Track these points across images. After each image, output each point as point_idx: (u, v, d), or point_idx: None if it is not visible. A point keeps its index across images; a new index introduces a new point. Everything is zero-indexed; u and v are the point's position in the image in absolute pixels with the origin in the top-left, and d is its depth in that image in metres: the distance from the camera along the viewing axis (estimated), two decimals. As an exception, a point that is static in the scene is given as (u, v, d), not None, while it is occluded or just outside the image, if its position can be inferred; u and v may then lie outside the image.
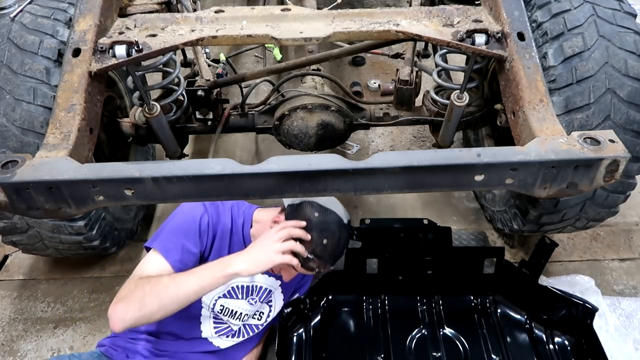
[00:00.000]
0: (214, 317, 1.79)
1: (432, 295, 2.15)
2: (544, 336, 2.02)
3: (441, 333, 2.05)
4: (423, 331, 2.06)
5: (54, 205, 1.34)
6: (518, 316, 2.09)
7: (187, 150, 2.45)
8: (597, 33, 1.70)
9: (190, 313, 1.72)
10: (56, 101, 1.55)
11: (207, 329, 1.79)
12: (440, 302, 2.14)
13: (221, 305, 1.76)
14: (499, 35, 1.67)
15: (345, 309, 2.14)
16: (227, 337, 1.84)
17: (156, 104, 1.93)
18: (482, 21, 1.74)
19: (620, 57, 1.68)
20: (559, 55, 1.70)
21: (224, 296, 1.76)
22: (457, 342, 2.03)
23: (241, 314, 1.80)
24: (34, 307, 2.37)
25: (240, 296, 1.79)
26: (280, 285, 1.89)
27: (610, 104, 1.68)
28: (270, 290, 1.87)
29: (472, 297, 2.15)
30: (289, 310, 1.98)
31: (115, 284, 2.46)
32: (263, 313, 1.90)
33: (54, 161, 1.36)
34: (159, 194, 1.34)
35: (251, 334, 1.89)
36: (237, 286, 1.78)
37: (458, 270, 2.09)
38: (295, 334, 2.04)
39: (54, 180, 1.29)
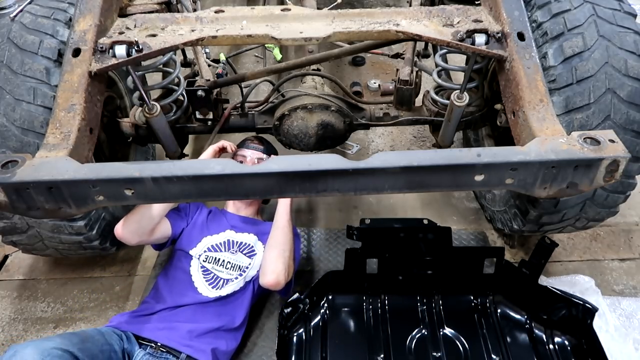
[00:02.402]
0: (202, 268, 2.05)
1: (432, 295, 2.15)
2: (544, 336, 2.02)
3: (441, 333, 2.05)
4: (423, 331, 2.06)
5: (54, 205, 1.34)
6: (518, 316, 2.09)
7: (187, 150, 2.46)
8: (597, 33, 1.70)
9: (183, 266, 2.06)
10: (56, 101, 1.55)
11: (198, 279, 2.03)
12: (440, 302, 2.14)
13: (206, 256, 2.08)
14: (499, 35, 1.67)
15: (345, 309, 2.14)
16: (218, 288, 2.01)
17: (156, 104, 1.93)
18: (482, 21, 1.74)
19: (620, 57, 1.68)
20: (559, 55, 1.70)
21: (209, 250, 2.10)
22: (457, 342, 2.03)
23: (224, 260, 2.07)
24: (34, 307, 2.38)
25: (222, 249, 2.12)
26: (258, 240, 2.18)
27: (610, 104, 1.68)
28: (249, 245, 2.15)
29: (472, 297, 2.15)
30: (289, 310, 1.98)
31: (115, 284, 2.46)
32: (245, 267, 2.09)
33: (54, 161, 1.36)
34: (159, 194, 1.34)
35: (239, 283, 2.06)
36: (219, 243, 2.13)
37: (458, 270, 2.09)
38: (295, 334, 2.04)
39: (54, 180, 1.29)
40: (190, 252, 2.08)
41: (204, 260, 2.06)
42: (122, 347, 1.78)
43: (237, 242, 2.15)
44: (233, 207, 2.30)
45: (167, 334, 1.86)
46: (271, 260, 1.96)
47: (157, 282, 2.10)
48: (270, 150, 2.35)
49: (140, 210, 1.95)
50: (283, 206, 2.10)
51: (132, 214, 1.95)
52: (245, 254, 2.12)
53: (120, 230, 1.93)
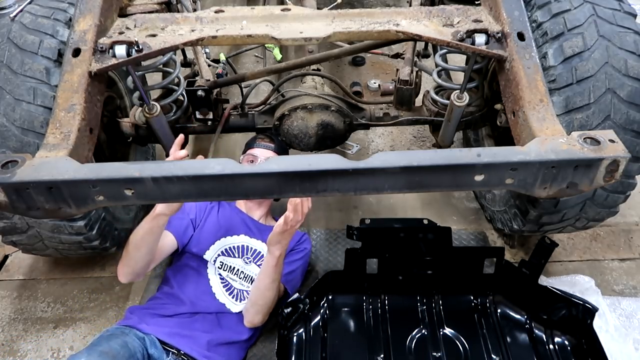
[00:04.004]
0: (218, 275, 2.03)
1: (432, 295, 2.15)
2: (544, 336, 2.02)
3: (441, 333, 2.05)
4: (423, 331, 2.06)
5: (54, 205, 1.34)
6: (518, 316, 2.09)
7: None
8: (597, 33, 1.70)
9: (198, 269, 2.03)
10: (56, 101, 1.55)
11: (216, 285, 2.02)
12: (440, 302, 2.14)
13: (221, 262, 2.05)
14: (499, 35, 1.67)
15: (345, 309, 2.14)
16: (235, 298, 2.01)
17: (156, 104, 1.93)
18: (482, 21, 1.74)
19: (620, 57, 1.68)
20: (559, 55, 1.70)
21: (222, 254, 2.06)
22: (457, 342, 2.03)
23: (238, 269, 2.05)
24: (34, 307, 2.38)
25: (236, 255, 2.08)
26: None
27: (610, 104, 1.68)
28: (263, 255, 2.07)
29: (472, 297, 2.15)
30: (289, 310, 1.98)
31: (115, 284, 2.46)
32: None
33: (54, 161, 1.36)
34: (159, 194, 1.34)
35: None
36: (233, 246, 2.09)
37: (458, 270, 2.09)
38: (295, 334, 2.04)
39: (54, 180, 1.29)
40: (205, 256, 2.05)
41: (219, 267, 2.04)
42: (144, 353, 1.76)
43: (251, 249, 2.11)
44: (245, 206, 2.24)
45: (189, 343, 1.86)
46: (249, 313, 1.95)
47: (169, 279, 2.05)
48: (281, 148, 2.28)
49: (128, 259, 1.85)
50: (265, 264, 1.89)
51: (123, 262, 1.86)
52: (258, 265, 2.08)
53: (124, 279, 1.89)
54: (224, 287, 2.01)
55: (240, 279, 2.04)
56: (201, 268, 2.04)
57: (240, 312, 1.99)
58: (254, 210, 2.23)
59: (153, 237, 1.82)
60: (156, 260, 1.97)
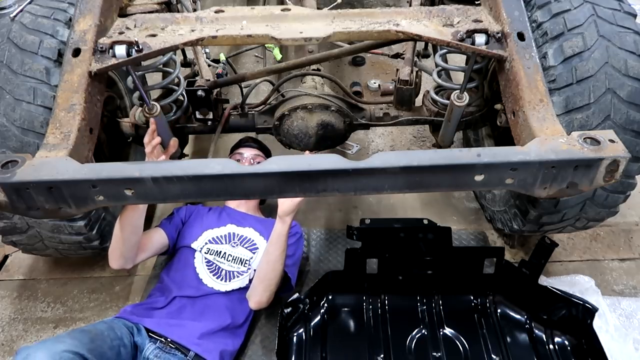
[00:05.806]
0: (205, 261, 2.09)
1: (432, 295, 2.15)
2: (544, 336, 2.02)
3: (441, 333, 2.05)
4: (423, 331, 2.06)
5: (54, 205, 1.34)
6: (518, 316, 2.09)
7: (187, 150, 2.46)
8: (597, 33, 1.70)
9: (187, 259, 2.09)
10: (56, 101, 1.56)
11: (203, 271, 2.06)
12: (440, 302, 2.14)
13: (207, 249, 2.12)
14: (499, 35, 1.67)
15: (345, 309, 2.14)
16: (223, 279, 2.05)
17: (156, 104, 1.93)
18: (482, 21, 1.74)
19: (620, 57, 1.68)
20: (559, 55, 1.70)
21: (209, 242, 2.14)
22: (457, 342, 2.03)
23: (226, 253, 2.12)
24: (34, 307, 2.38)
25: (223, 242, 2.16)
26: (260, 235, 2.20)
27: (610, 104, 1.68)
28: (251, 239, 2.18)
29: (472, 297, 2.15)
30: (289, 310, 1.98)
31: (115, 284, 2.46)
32: (247, 260, 2.12)
33: (54, 161, 1.36)
34: (159, 194, 1.34)
35: (244, 280, 2.09)
36: (220, 235, 2.17)
37: (458, 270, 2.09)
38: (295, 334, 2.04)
39: (54, 180, 1.29)
40: (192, 245, 2.12)
41: (206, 252, 2.10)
42: (131, 340, 1.80)
43: (238, 234, 2.18)
44: (233, 202, 2.33)
45: (177, 331, 1.88)
46: (257, 292, 2.01)
47: (162, 276, 2.12)
48: (265, 151, 2.45)
49: (116, 242, 1.89)
50: (277, 234, 1.95)
51: (112, 246, 1.91)
52: (246, 248, 2.14)
53: (114, 264, 1.94)
54: (210, 272, 2.05)
55: (229, 261, 2.10)
56: (189, 257, 2.09)
57: (230, 291, 2.03)
58: (242, 205, 2.33)
59: (136, 213, 1.86)
60: (145, 250, 2.03)
